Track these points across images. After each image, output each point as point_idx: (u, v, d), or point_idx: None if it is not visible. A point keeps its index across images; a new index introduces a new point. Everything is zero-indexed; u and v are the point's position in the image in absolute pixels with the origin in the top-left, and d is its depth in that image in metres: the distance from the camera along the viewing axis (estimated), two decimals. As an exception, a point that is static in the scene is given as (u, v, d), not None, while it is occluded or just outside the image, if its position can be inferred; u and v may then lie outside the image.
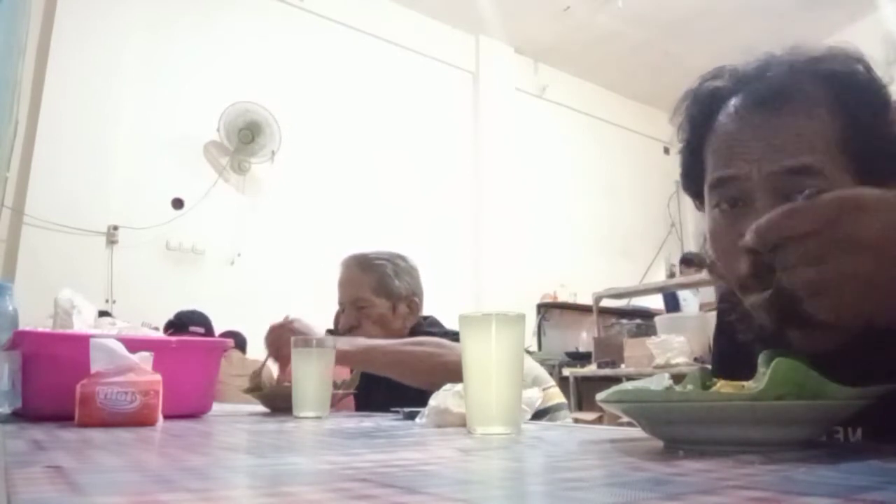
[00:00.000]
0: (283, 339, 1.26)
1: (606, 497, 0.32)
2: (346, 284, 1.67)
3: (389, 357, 1.34)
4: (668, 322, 3.80)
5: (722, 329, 0.83)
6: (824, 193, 0.47)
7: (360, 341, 1.35)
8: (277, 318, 1.35)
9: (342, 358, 1.27)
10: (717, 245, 0.69)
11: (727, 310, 0.74)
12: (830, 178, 0.61)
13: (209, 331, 3.06)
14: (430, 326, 1.62)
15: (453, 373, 1.10)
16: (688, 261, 5.43)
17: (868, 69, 0.66)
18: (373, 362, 1.35)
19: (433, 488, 0.36)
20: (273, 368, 1.39)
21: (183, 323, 2.99)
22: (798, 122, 0.63)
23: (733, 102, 0.68)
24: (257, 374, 1.40)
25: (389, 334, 1.53)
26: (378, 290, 1.62)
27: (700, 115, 0.72)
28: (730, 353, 0.75)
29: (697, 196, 0.75)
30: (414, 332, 1.57)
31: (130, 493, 0.35)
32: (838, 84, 0.65)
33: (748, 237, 0.49)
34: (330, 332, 1.88)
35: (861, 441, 0.62)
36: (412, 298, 1.65)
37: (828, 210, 0.46)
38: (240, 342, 3.31)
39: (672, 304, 5.34)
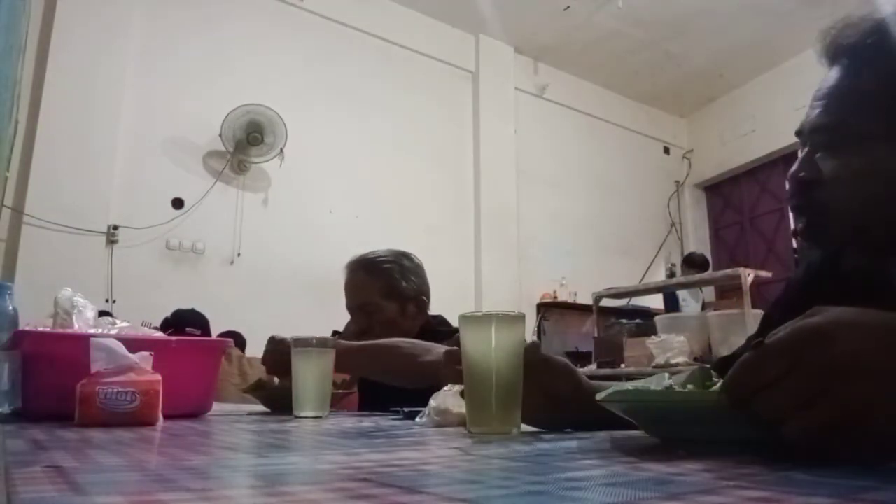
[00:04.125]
0: (281, 356, 1.24)
1: (606, 497, 0.32)
2: (353, 289, 1.65)
3: (365, 359, 1.34)
4: (667, 322, 3.81)
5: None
6: (776, 337, 0.45)
7: (341, 345, 1.32)
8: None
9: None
10: None
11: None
12: (862, 141, 0.66)
13: (206, 332, 3.06)
14: (439, 325, 1.61)
15: (428, 374, 1.10)
16: (690, 261, 5.43)
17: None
18: (349, 365, 1.34)
19: (433, 488, 0.36)
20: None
21: (180, 322, 2.99)
22: (835, 83, 0.69)
23: None
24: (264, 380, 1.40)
25: (400, 335, 1.52)
26: (386, 294, 1.60)
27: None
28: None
29: None
30: (423, 331, 1.56)
31: (130, 492, 0.35)
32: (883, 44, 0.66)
33: (721, 398, 0.46)
34: (336, 333, 1.88)
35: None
36: (420, 298, 1.64)
37: (791, 346, 0.44)
38: (239, 343, 3.30)
39: (672, 303, 5.34)
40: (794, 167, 0.73)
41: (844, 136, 0.68)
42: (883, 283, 0.69)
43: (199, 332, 2.95)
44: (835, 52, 0.70)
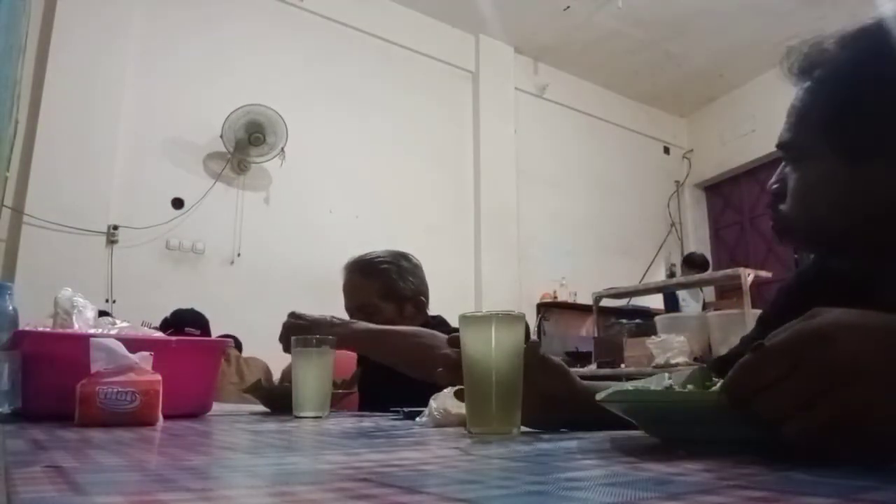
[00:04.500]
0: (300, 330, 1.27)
1: (606, 497, 0.32)
2: (351, 291, 1.65)
3: (385, 343, 1.35)
4: (668, 322, 3.81)
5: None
6: (777, 338, 0.45)
7: (373, 326, 1.37)
8: (278, 318, 1.35)
9: (353, 338, 1.28)
10: None
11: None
12: (813, 157, 0.72)
13: (205, 332, 3.05)
14: (438, 325, 1.61)
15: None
16: (690, 261, 5.43)
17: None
18: (369, 346, 1.37)
19: (433, 488, 0.36)
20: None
21: (179, 322, 2.99)
22: (796, 102, 0.75)
23: None
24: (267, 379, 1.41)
25: None
26: (384, 295, 1.60)
27: None
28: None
29: None
30: None
31: (130, 492, 0.35)
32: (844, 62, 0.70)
33: (721, 398, 0.47)
34: None
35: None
36: (418, 298, 1.65)
37: (791, 348, 0.44)
38: (236, 346, 3.29)
39: (672, 303, 5.34)
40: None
41: (800, 152, 0.75)
42: (882, 285, 0.70)
43: (198, 332, 2.95)
44: (798, 72, 0.75)
